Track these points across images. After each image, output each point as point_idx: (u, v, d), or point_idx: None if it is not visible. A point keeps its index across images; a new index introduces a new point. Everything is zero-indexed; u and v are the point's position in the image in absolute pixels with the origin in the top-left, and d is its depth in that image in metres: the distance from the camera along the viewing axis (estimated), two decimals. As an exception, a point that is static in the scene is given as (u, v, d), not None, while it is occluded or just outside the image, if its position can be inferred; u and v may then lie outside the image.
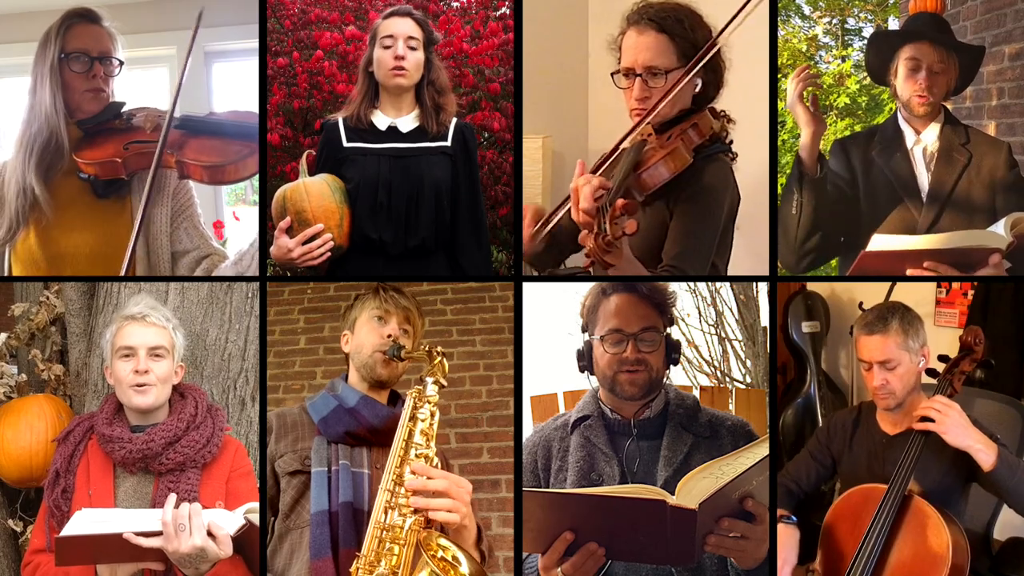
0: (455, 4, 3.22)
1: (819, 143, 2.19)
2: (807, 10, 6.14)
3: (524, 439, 2.00)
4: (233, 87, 3.29)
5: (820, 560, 2.00)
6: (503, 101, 3.02)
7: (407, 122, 2.20)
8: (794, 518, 1.99)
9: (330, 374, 3.51)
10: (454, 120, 2.23)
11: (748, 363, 3.58)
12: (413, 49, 2.16)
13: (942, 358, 1.99)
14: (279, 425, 1.88)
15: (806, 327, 3.13)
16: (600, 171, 2.01)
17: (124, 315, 1.97)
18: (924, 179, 2.21)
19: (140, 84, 3.05)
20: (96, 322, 2.33)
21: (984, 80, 3.02)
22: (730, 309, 3.61)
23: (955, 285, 2.83)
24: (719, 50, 2.00)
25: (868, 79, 2.34)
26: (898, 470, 1.87)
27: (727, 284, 3.53)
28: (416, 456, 1.68)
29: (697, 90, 2.04)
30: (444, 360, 1.78)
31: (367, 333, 1.90)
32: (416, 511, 1.60)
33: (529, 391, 2.61)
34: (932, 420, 1.85)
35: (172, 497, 1.68)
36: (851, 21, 6.13)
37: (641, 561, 1.71)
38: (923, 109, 2.18)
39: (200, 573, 1.68)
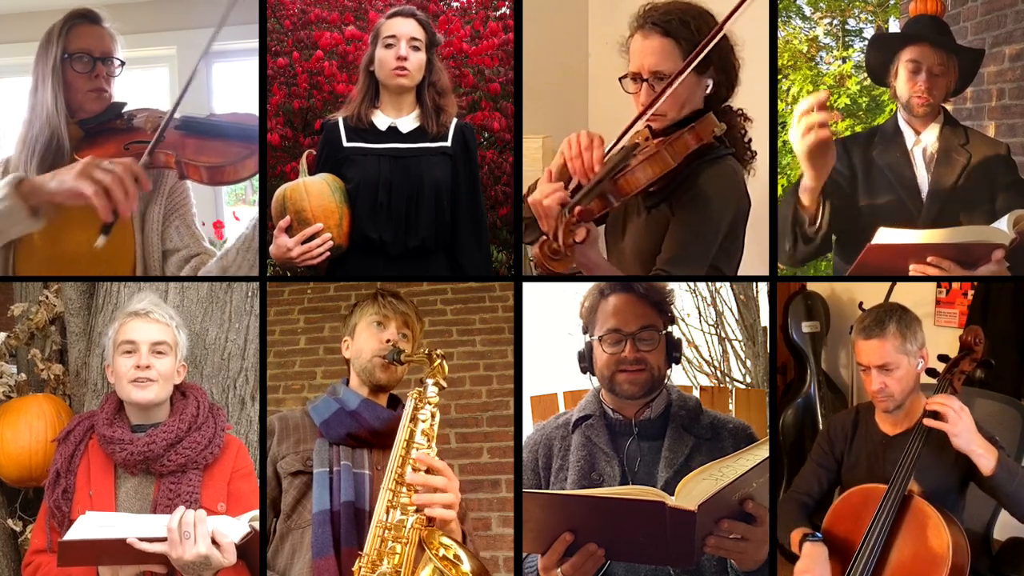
0: (455, 4, 3.22)
1: (822, 185, 2.00)
2: (808, 11, 6.15)
3: (525, 437, 2.01)
4: (233, 87, 3.29)
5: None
6: (503, 101, 3.02)
7: (407, 122, 2.20)
8: (819, 535, 1.89)
9: (330, 374, 3.51)
10: (454, 120, 2.23)
11: (748, 363, 3.58)
12: (416, 50, 2.16)
13: (942, 358, 1.99)
14: (281, 427, 1.89)
15: (806, 327, 3.13)
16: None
17: (128, 311, 1.97)
18: (924, 179, 2.22)
19: (140, 84, 3.05)
20: (95, 321, 2.33)
21: (984, 81, 3.02)
22: (730, 309, 3.61)
23: (955, 285, 2.84)
24: (733, 49, 1.95)
25: (869, 80, 2.34)
26: (898, 470, 1.87)
27: (727, 284, 3.53)
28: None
29: (708, 91, 1.97)
30: (444, 362, 1.79)
31: (367, 338, 1.91)
32: (418, 510, 1.62)
33: (529, 391, 2.61)
34: (943, 418, 1.83)
35: (181, 509, 1.67)
36: (852, 22, 6.13)
37: (641, 562, 1.72)
38: (923, 110, 2.20)
39: (203, 579, 1.68)
